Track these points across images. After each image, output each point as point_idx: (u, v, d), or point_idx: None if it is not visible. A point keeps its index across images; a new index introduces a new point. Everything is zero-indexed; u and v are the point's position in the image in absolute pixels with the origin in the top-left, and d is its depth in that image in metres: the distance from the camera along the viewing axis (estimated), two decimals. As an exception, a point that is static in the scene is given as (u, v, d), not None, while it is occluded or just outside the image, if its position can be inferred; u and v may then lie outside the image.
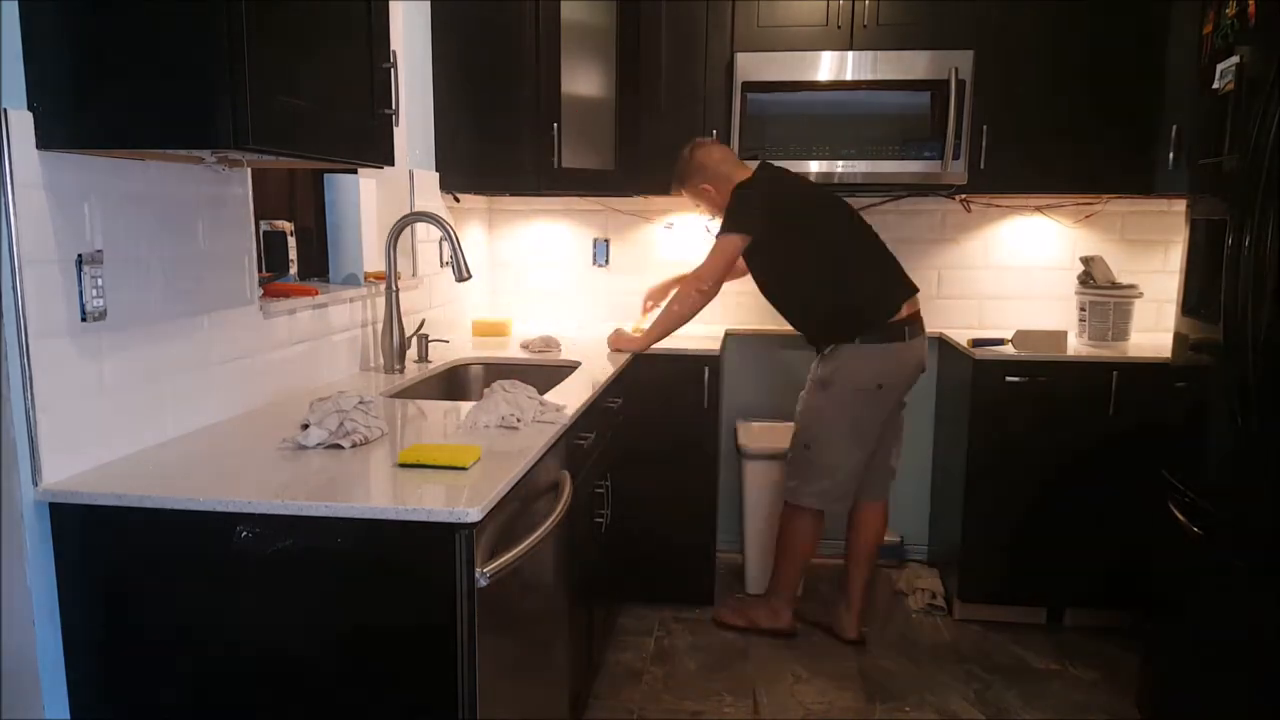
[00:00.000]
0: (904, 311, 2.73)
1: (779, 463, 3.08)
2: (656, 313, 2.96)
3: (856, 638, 2.89)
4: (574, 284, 3.62)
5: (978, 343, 3.00)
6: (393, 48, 1.81)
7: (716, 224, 3.52)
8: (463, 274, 2.46)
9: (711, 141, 2.91)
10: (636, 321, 3.15)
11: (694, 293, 2.77)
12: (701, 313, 2.81)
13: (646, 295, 3.22)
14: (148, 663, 1.43)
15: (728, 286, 3.56)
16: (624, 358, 2.73)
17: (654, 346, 2.86)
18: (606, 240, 3.58)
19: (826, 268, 2.75)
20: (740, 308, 3.55)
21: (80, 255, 1.45)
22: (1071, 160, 3.04)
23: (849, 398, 2.72)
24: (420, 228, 2.80)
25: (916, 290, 2.78)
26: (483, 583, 1.35)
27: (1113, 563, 2.90)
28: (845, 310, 2.73)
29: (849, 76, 3.03)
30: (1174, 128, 2.83)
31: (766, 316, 3.56)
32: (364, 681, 1.38)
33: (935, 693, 2.62)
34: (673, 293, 2.93)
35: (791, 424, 2.91)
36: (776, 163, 2.88)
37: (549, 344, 2.81)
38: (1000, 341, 3.01)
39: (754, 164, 2.82)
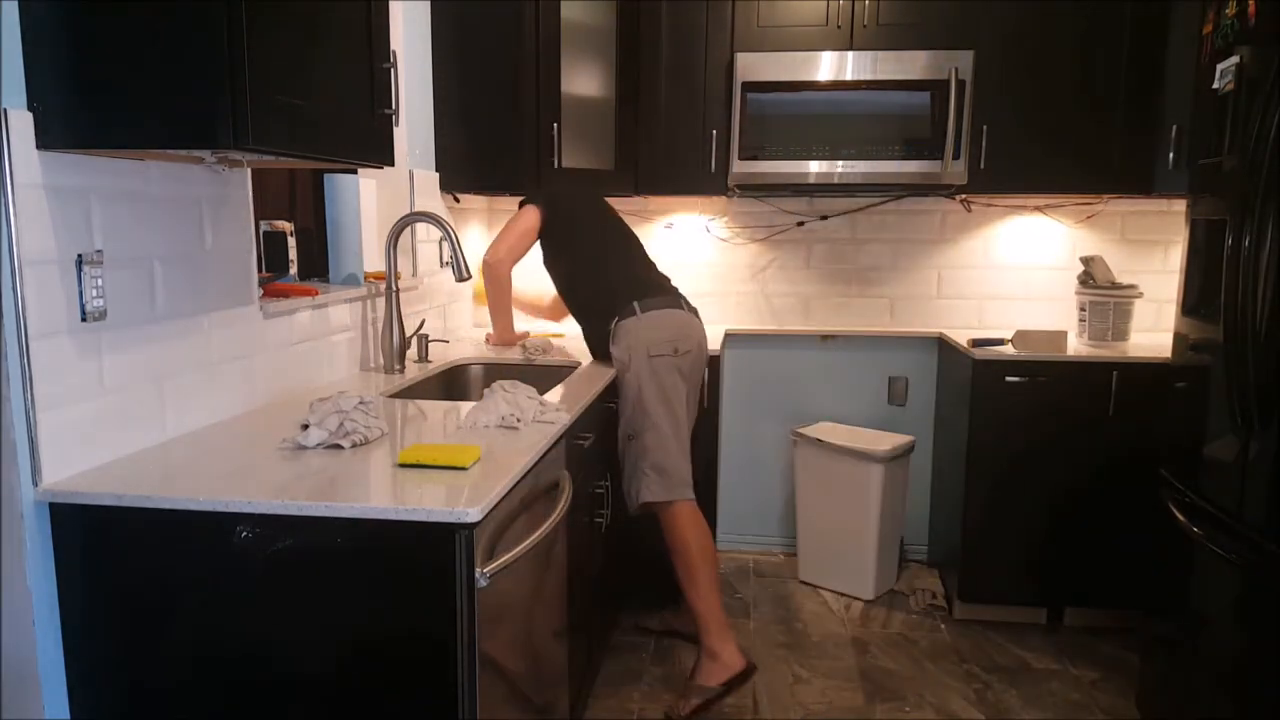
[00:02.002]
0: (672, 288, 2.70)
1: (829, 449, 3.10)
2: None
3: (744, 664, 2.57)
4: (574, 284, 3.61)
5: (978, 343, 3.00)
6: (393, 48, 1.81)
7: (717, 224, 3.53)
8: (463, 274, 2.46)
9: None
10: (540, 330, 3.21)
11: (488, 266, 2.75)
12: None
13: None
14: (147, 663, 1.43)
15: (728, 287, 3.59)
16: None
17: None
18: (606, 240, 3.58)
19: (597, 252, 2.73)
20: (740, 308, 3.55)
21: (80, 255, 1.45)
22: (1071, 160, 3.04)
23: (650, 366, 2.51)
24: (420, 228, 2.80)
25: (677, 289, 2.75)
26: (483, 583, 1.35)
27: (1113, 563, 2.90)
28: (617, 286, 2.62)
29: (849, 76, 3.03)
30: (1174, 128, 2.83)
31: (766, 316, 3.57)
32: (364, 681, 1.38)
33: (935, 693, 2.62)
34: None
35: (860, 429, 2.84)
36: (769, 162, 2.90)
37: (546, 347, 2.81)
38: (1000, 341, 3.01)
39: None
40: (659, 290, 2.66)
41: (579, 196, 2.85)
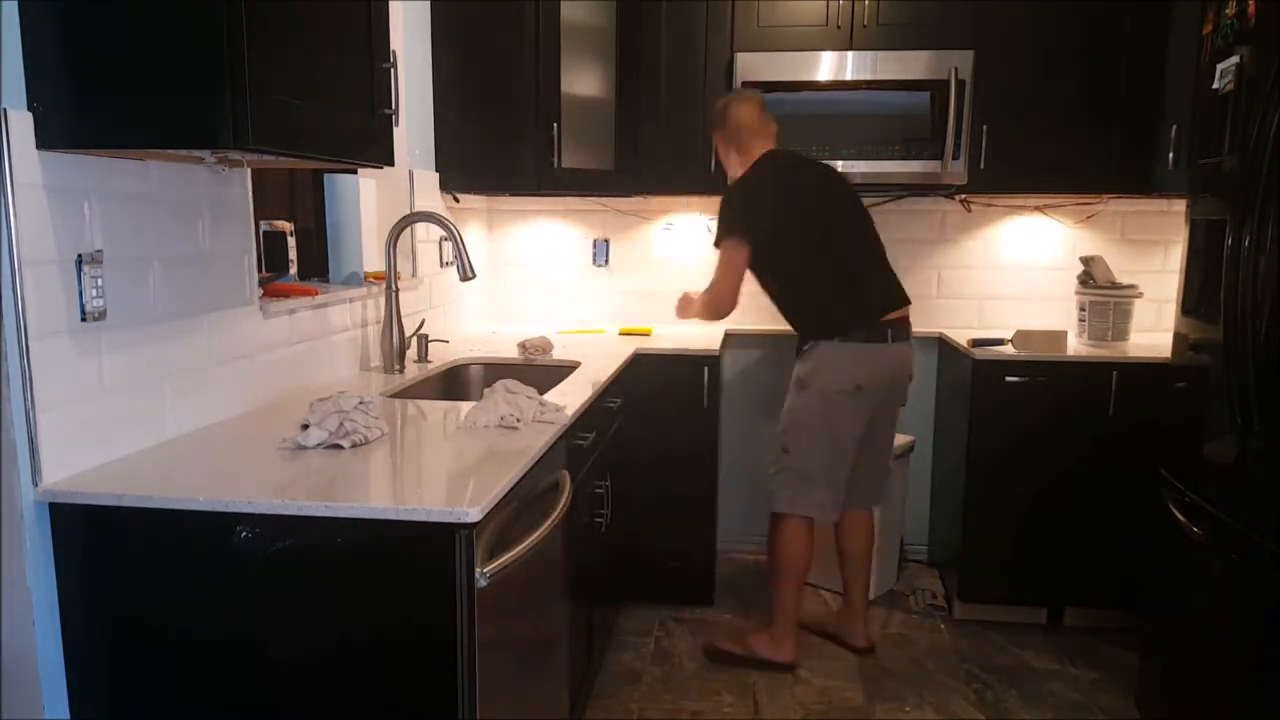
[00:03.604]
0: (890, 316, 2.65)
1: None
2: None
3: (866, 645, 2.84)
4: (574, 284, 3.62)
5: (978, 343, 3.00)
6: (393, 48, 1.81)
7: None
8: (467, 273, 2.45)
9: (748, 98, 2.76)
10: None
11: (713, 316, 2.79)
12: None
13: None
14: (148, 663, 1.43)
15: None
16: (624, 358, 2.73)
17: (656, 346, 2.96)
18: (606, 240, 3.58)
19: (817, 263, 2.66)
20: (740, 308, 3.53)
21: (80, 255, 1.45)
22: (1072, 160, 3.04)
23: (826, 399, 2.61)
24: (420, 228, 2.80)
25: (908, 302, 2.71)
26: (482, 583, 1.35)
27: (1113, 563, 2.90)
28: (831, 306, 2.65)
29: (849, 76, 3.03)
30: (1174, 128, 2.83)
31: (766, 316, 3.56)
32: (364, 681, 1.38)
33: (935, 693, 2.62)
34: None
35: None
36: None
37: (544, 346, 2.80)
38: (1000, 341, 3.01)
39: (770, 139, 2.73)
40: (866, 315, 2.62)
41: (795, 202, 2.68)
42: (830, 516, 2.72)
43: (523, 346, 2.81)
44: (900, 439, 3.22)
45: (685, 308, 2.89)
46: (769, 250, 2.67)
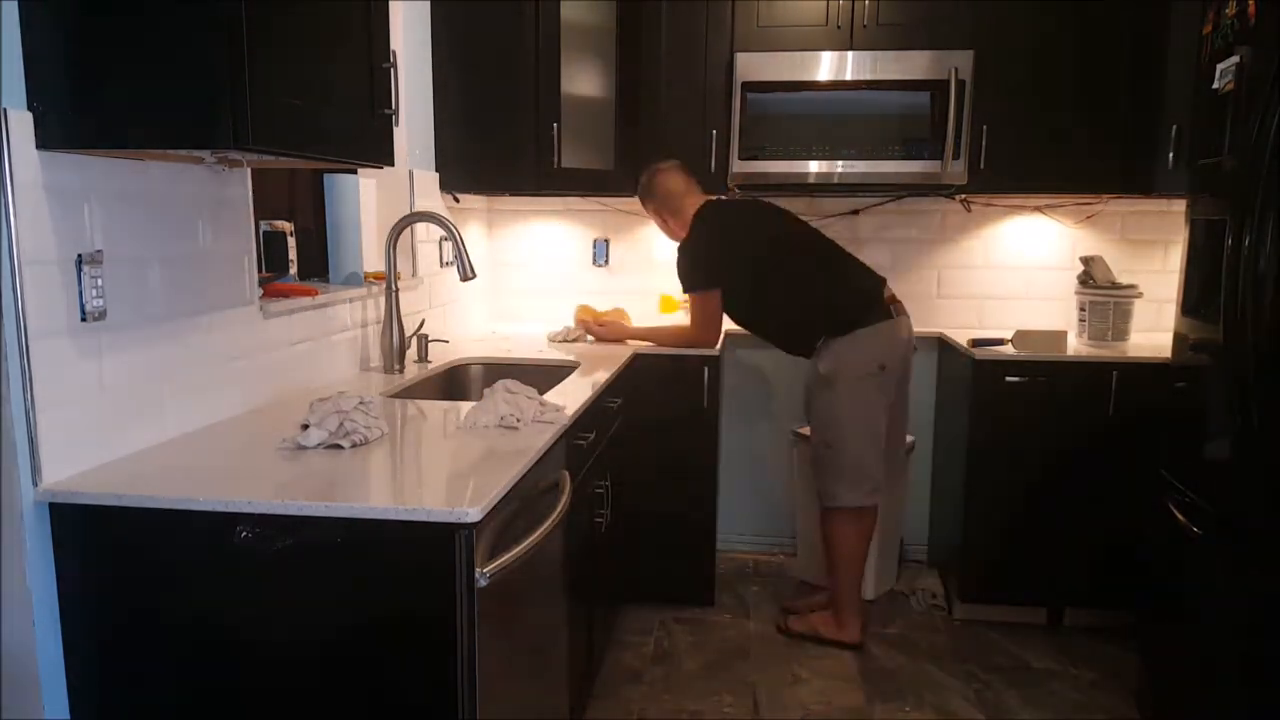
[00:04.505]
0: (886, 294, 2.81)
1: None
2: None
3: (858, 641, 2.87)
4: (574, 284, 3.61)
5: (978, 343, 3.00)
6: (393, 48, 1.81)
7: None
8: (467, 273, 2.45)
9: (667, 167, 2.96)
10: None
11: (695, 350, 2.91)
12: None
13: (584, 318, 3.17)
14: (148, 663, 1.43)
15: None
16: (624, 358, 2.73)
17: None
18: (606, 240, 3.58)
19: (797, 276, 2.81)
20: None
21: (80, 255, 1.45)
22: (1071, 160, 3.04)
23: (856, 386, 2.72)
24: (420, 228, 2.80)
25: (883, 279, 2.85)
26: (482, 583, 1.35)
27: (1113, 563, 2.90)
28: (834, 304, 2.78)
29: (849, 76, 3.03)
30: (1174, 128, 2.83)
31: (766, 316, 3.56)
32: (363, 681, 1.38)
33: (935, 693, 2.62)
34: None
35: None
36: (769, 162, 3.04)
37: (574, 332, 3.03)
38: (1000, 341, 3.01)
39: (699, 194, 2.92)
40: (862, 304, 2.75)
41: (744, 244, 2.86)
42: (870, 499, 2.79)
43: (553, 339, 3.01)
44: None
45: (614, 330, 3.05)
46: (740, 291, 2.85)
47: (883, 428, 2.78)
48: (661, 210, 2.95)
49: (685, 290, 2.90)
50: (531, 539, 1.50)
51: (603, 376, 2.42)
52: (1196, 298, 2.23)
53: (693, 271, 2.86)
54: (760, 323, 2.94)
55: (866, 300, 2.77)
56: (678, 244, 2.91)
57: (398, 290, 2.46)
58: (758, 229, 2.89)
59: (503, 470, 1.50)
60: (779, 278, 2.82)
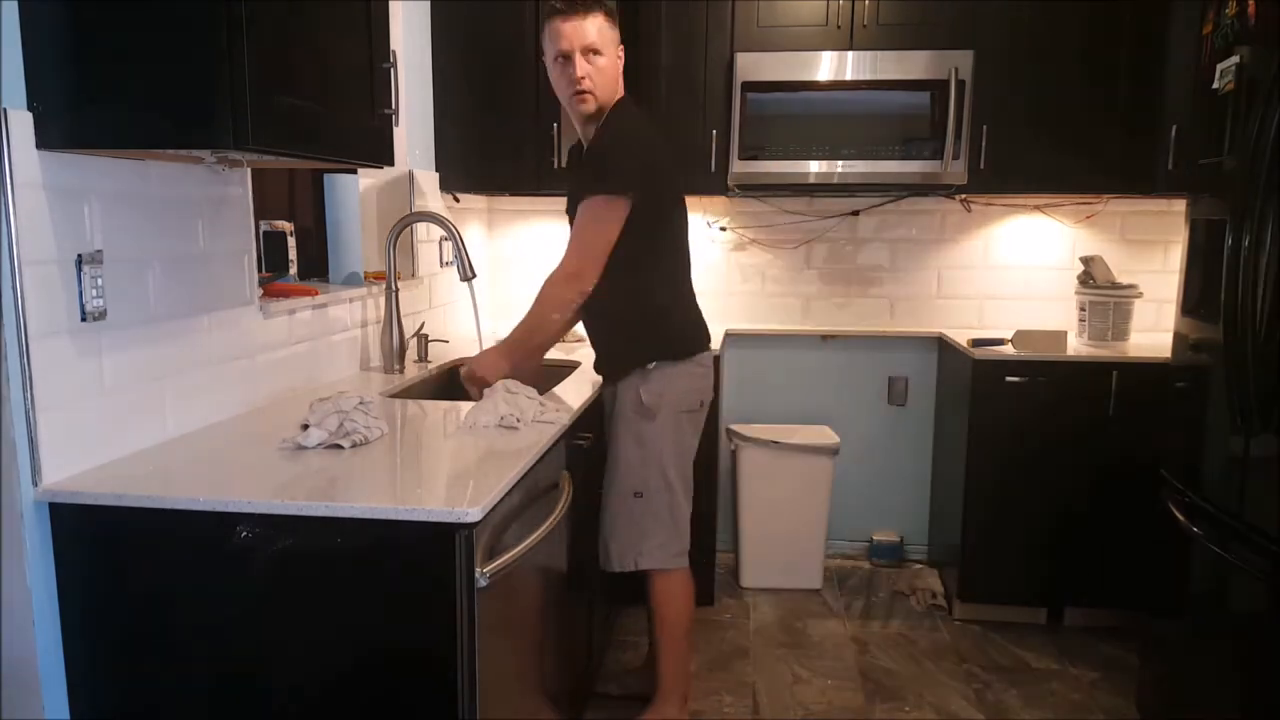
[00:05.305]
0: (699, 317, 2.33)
1: (772, 449, 3.11)
2: None
3: None
4: (574, 284, 3.60)
5: (978, 343, 3.00)
6: (393, 48, 1.81)
7: (717, 223, 3.52)
8: (467, 273, 2.45)
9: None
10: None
11: (575, 294, 2.15)
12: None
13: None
14: (147, 663, 1.43)
15: (728, 287, 3.58)
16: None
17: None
18: (606, 240, 3.57)
19: (673, 264, 2.23)
20: (740, 308, 3.55)
21: (80, 255, 1.45)
22: (1071, 160, 3.04)
23: (677, 424, 2.21)
24: (420, 228, 2.80)
25: None
26: (483, 583, 1.35)
27: (1113, 563, 2.90)
28: (687, 318, 2.28)
29: (849, 76, 3.02)
30: (1174, 128, 2.83)
31: (766, 316, 3.57)
32: (364, 681, 1.38)
33: (935, 693, 2.62)
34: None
35: (779, 425, 2.80)
36: (769, 162, 2.82)
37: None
38: (1000, 341, 3.01)
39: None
40: (703, 327, 2.31)
41: (667, 170, 2.19)
42: (681, 560, 2.28)
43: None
44: (825, 437, 3.28)
45: (485, 359, 2.16)
46: (645, 224, 2.09)
47: (691, 474, 2.28)
48: (609, 52, 2.10)
49: (590, 192, 2.06)
50: (531, 539, 1.50)
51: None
52: (1196, 298, 2.23)
53: (612, 163, 2.04)
54: (609, 300, 2.16)
55: (702, 323, 2.31)
56: (609, 117, 2.12)
57: (398, 290, 2.46)
58: (675, 169, 2.24)
59: (503, 470, 1.50)
60: (666, 245, 2.18)
